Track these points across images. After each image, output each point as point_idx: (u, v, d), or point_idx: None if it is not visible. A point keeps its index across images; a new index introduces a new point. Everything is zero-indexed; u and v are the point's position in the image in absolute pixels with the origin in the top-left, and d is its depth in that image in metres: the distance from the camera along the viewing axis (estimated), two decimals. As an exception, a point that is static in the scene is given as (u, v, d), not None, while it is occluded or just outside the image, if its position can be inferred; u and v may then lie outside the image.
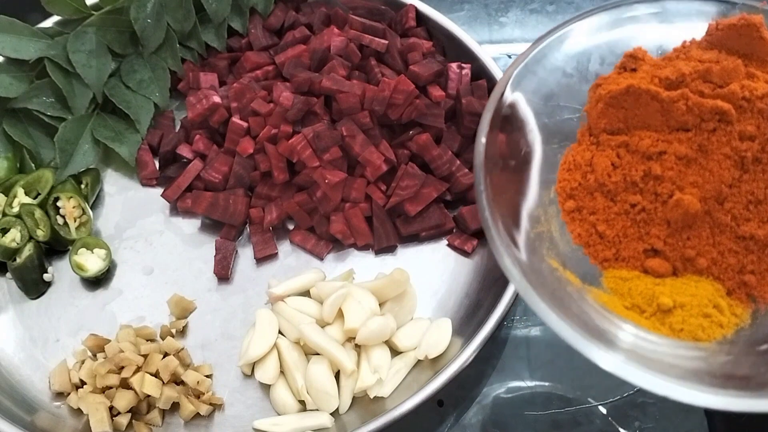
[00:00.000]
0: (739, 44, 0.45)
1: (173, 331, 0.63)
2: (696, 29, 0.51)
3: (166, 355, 0.60)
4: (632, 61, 0.49)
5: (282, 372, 0.59)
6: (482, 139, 0.47)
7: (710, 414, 0.60)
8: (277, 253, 0.68)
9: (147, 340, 0.62)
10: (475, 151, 0.48)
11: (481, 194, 0.44)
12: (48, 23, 0.74)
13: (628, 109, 0.47)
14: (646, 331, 0.43)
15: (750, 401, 0.34)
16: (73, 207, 0.67)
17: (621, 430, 0.61)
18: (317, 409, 0.57)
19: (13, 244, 0.65)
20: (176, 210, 0.70)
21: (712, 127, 0.45)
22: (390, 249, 0.68)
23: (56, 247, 0.67)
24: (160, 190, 0.70)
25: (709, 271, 0.45)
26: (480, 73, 0.70)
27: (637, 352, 0.39)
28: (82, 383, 0.59)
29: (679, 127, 0.46)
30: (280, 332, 0.61)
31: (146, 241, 0.69)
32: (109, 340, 0.61)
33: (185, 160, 0.71)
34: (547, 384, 0.63)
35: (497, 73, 0.69)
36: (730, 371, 0.39)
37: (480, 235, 0.67)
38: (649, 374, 0.37)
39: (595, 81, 0.50)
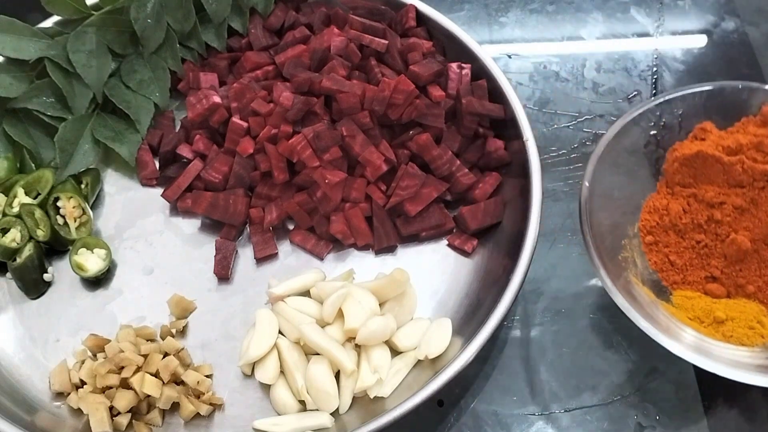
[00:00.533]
0: None
1: (173, 331, 0.63)
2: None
3: (166, 355, 0.60)
4: (702, 132, 0.64)
5: (282, 372, 0.59)
6: (586, 183, 0.61)
7: (710, 414, 0.60)
8: (277, 253, 0.68)
9: (147, 340, 0.62)
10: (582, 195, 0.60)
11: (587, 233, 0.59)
12: (48, 23, 0.74)
13: (697, 168, 0.62)
14: (704, 335, 0.56)
15: None
16: (73, 207, 0.67)
17: (621, 430, 0.61)
18: (317, 409, 0.57)
19: (13, 244, 0.65)
20: (176, 210, 0.70)
21: (762, 185, 0.60)
22: (390, 249, 0.68)
23: (56, 247, 0.67)
24: (160, 190, 0.70)
25: (755, 295, 0.58)
26: (480, 73, 0.70)
27: (696, 346, 0.53)
28: (82, 383, 0.59)
29: (736, 184, 0.61)
30: (280, 332, 0.61)
31: (146, 241, 0.69)
32: (109, 340, 0.61)
33: (185, 160, 0.71)
34: (547, 384, 0.63)
35: (497, 73, 0.69)
36: (765, 364, 0.54)
37: (480, 235, 0.67)
38: (705, 359, 0.52)
39: (672, 146, 0.65)
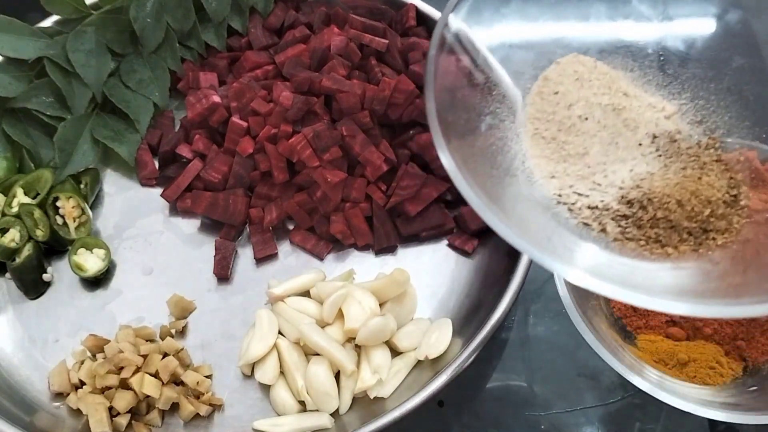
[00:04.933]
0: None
1: (173, 331, 0.63)
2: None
3: (165, 355, 0.60)
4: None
5: (282, 372, 0.59)
6: None
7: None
8: (277, 253, 0.68)
9: (146, 341, 0.62)
10: None
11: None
12: (47, 23, 0.74)
13: None
14: (669, 376, 0.57)
15: (741, 416, 0.52)
16: (73, 207, 0.67)
17: (622, 430, 0.61)
18: (317, 410, 0.57)
19: (13, 244, 0.65)
20: (176, 210, 0.70)
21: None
22: (390, 249, 0.67)
23: (55, 247, 0.67)
24: (159, 190, 0.70)
25: (712, 337, 0.59)
26: (480, 72, 0.70)
27: (663, 386, 0.54)
28: (82, 384, 0.59)
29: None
30: (280, 332, 0.61)
31: (146, 241, 0.69)
32: (108, 341, 0.61)
33: (185, 160, 0.71)
34: (547, 384, 0.63)
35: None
36: (728, 401, 0.55)
37: (480, 235, 0.67)
38: (673, 397, 0.53)
39: None
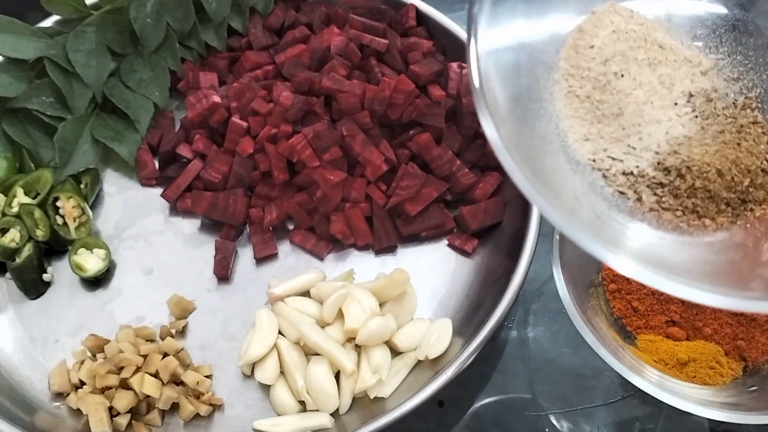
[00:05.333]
0: None
1: (173, 331, 0.63)
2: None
3: (165, 355, 0.60)
4: None
5: (282, 372, 0.59)
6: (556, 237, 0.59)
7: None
8: (277, 253, 0.68)
9: (147, 341, 0.62)
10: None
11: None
12: (47, 23, 0.74)
13: None
14: (669, 376, 0.57)
15: (741, 416, 0.52)
16: (73, 207, 0.67)
17: (622, 430, 0.61)
18: (317, 410, 0.57)
19: (13, 244, 0.65)
20: (176, 210, 0.70)
21: None
22: (390, 249, 0.67)
23: (56, 247, 0.67)
24: (159, 190, 0.70)
25: (712, 337, 0.59)
26: (480, 72, 0.70)
27: (663, 386, 0.54)
28: (82, 384, 0.59)
29: None
30: (280, 332, 0.61)
31: (146, 241, 0.69)
32: (108, 341, 0.61)
33: (185, 160, 0.71)
34: (547, 384, 0.63)
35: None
36: (728, 401, 0.55)
37: (480, 235, 0.67)
38: (673, 397, 0.53)
39: None
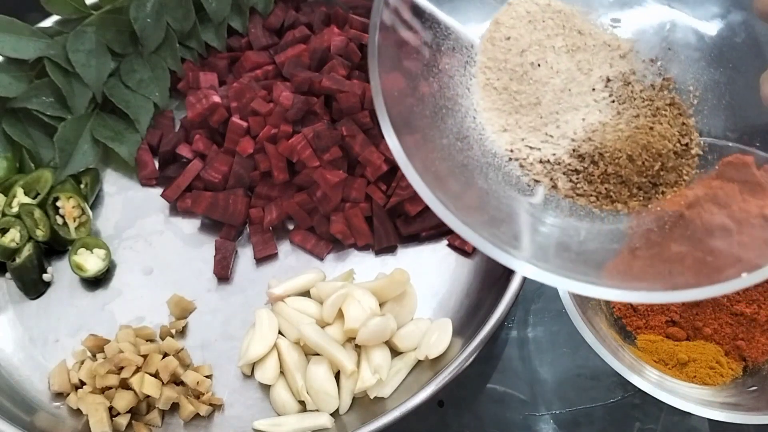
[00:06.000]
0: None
1: (173, 331, 0.63)
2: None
3: (165, 355, 0.60)
4: None
5: (282, 372, 0.59)
6: None
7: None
8: (277, 253, 0.68)
9: (146, 341, 0.62)
10: None
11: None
12: (47, 23, 0.74)
13: None
14: (669, 376, 0.57)
15: (741, 416, 0.52)
16: (73, 207, 0.67)
17: (622, 430, 0.61)
18: (317, 410, 0.57)
19: (13, 244, 0.65)
20: (176, 210, 0.70)
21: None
22: (390, 249, 0.67)
23: (56, 247, 0.67)
24: (159, 190, 0.70)
25: (712, 337, 0.59)
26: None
27: (663, 386, 0.54)
28: (82, 384, 0.59)
29: None
30: (280, 332, 0.61)
31: (146, 241, 0.69)
32: (108, 341, 0.61)
33: (185, 160, 0.71)
34: (547, 384, 0.63)
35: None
36: (728, 401, 0.55)
37: (480, 235, 0.67)
38: (673, 397, 0.52)
39: None
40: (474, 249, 0.66)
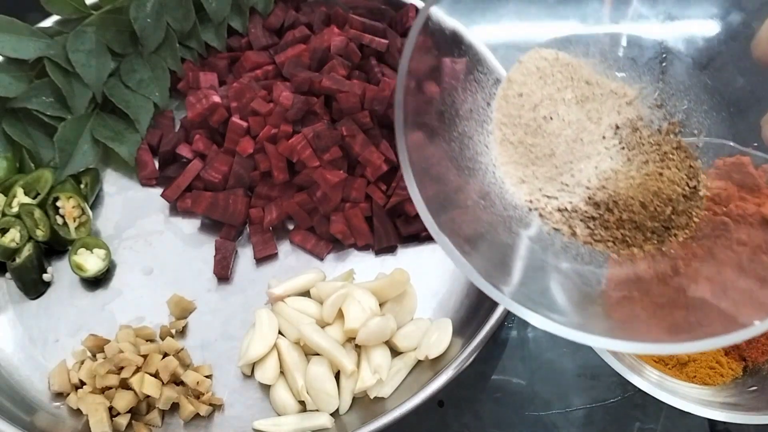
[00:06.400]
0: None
1: (173, 331, 0.63)
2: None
3: (165, 355, 0.60)
4: None
5: (282, 372, 0.59)
6: None
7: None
8: (277, 253, 0.68)
9: (147, 341, 0.62)
10: None
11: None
12: (47, 23, 0.74)
13: None
14: (669, 377, 0.58)
15: (741, 416, 0.52)
16: (73, 207, 0.67)
17: (622, 430, 0.61)
18: (317, 410, 0.57)
19: (13, 244, 0.65)
20: (176, 210, 0.70)
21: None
22: (390, 249, 0.67)
23: (56, 247, 0.67)
24: (159, 190, 0.70)
25: None
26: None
27: (663, 386, 0.55)
28: (82, 384, 0.59)
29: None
30: (280, 332, 0.61)
31: (146, 241, 0.69)
32: (108, 341, 0.61)
33: (185, 160, 0.71)
34: (547, 384, 0.63)
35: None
36: (728, 401, 0.55)
37: (480, 235, 0.67)
38: (673, 397, 0.53)
39: None
40: (474, 249, 0.66)
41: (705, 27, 0.59)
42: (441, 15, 0.55)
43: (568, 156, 0.57)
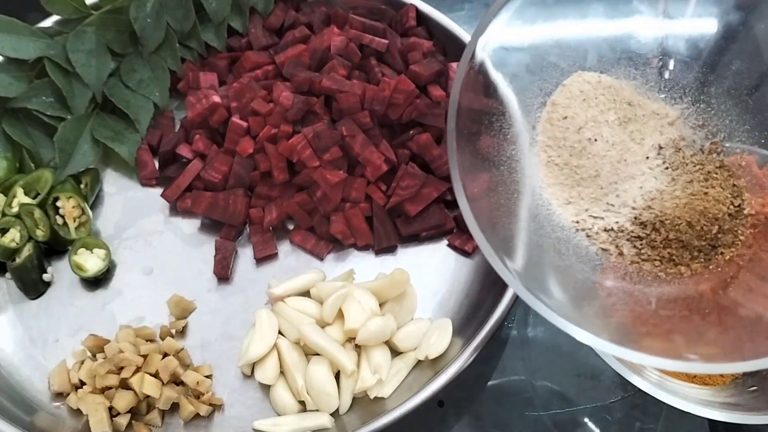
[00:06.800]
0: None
1: (173, 331, 0.63)
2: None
3: (165, 355, 0.60)
4: None
5: (282, 372, 0.59)
6: None
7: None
8: (277, 253, 0.68)
9: (146, 341, 0.62)
10: None
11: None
12: (47, 23, 0.74)
13: None
14: (669, 377, 0.57)
15: (741, 416, 0.52)
16: (73, 207, 0.67)
17: (622, 430, 0.61)
18: (317, 410, 0.57)
19: (13, 244, 0.65)
20: (176, 210, 0.70)
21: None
22: (390, 249, 0.67)
23: (56, 247, 0.67)
24: (159, 190, 0.70)
25: None
26: (480, 72, 0.70)
27: (663, 386, 0.55)
28: (82, 384, 0.59)
29: None
30: (280, 332, 0.61)
31: (146, 241, 0.69)
32: (108, 341, 0.61)
33: (185, 160, 0.71)
34: (547, 384, 0.63)
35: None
36: (728, 401, 0.55)
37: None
38: (673, 397, 0.53)
39: None
40: (474, 249, 0.66)
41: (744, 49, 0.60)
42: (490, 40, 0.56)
43: (613, 177, 0.58)
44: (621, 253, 0.56)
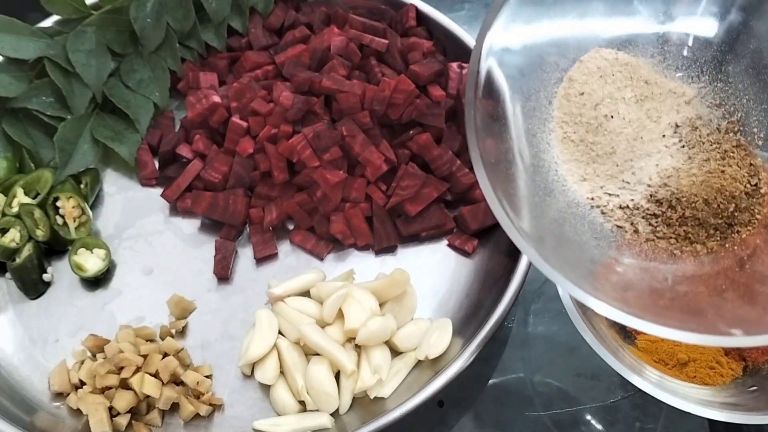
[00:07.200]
0: None
1: (173, 331, 0.63)
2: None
3: (165, 355, 0.60)
4: None
5: (282, 372, 0.59)
6: None
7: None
8: (277, 253, 0.68)
9: (146, 341, 0.62)
10: None
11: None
12: (47, 23, 0.74)
13: None
14: (669, 377, 0.57)
15: (741, 416, 0.52)
16: (73, 207, 0.67)
17: (622, 430, 0.61)
18: (317, 410, 0.57)
19: (13, 244, 0.65)
20: (176, 210, 0.70)
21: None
22: (390, 249, 0.67)
23: (56, 247, 0.67)
24: (159, 190, 0.70)
25: None
26: (480, 72, 0.70)
27: (663, 386, 0.55)
28: (82, 384, 0.59)
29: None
30: (280, 332, 0.61)
31: (146, 241, 0.69)
32: (108, 341, 0.61)
33: (185, 160, 0.71)
34: (547, 384, 0.63)
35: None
36: (728, 401, 0.55)
37: (480, 236, 0.67)
38: (673, 397, 0.53)
39: None
40: (474, 249, 0.66)
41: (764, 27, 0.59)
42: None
43: (629, 154, 0.57)
44: (636, 231, 0.56)
